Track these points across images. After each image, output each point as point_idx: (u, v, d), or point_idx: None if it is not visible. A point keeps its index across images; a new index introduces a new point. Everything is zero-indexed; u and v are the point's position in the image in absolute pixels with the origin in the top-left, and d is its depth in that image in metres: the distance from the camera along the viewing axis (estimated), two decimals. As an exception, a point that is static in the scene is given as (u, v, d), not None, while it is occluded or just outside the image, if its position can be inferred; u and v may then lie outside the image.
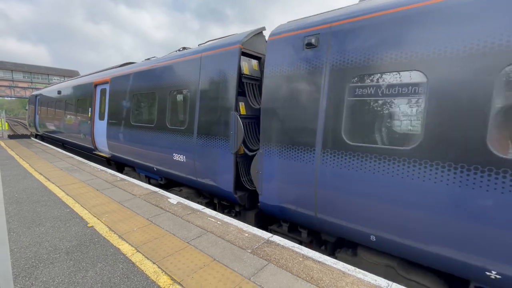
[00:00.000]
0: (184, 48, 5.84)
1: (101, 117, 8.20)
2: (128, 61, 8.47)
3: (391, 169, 2.66)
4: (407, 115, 2.68)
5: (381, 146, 2.74)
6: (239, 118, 4.12)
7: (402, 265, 2.99)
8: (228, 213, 4.98)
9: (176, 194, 5.71)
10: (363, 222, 2.91)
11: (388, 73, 2.72)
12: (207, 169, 4.72)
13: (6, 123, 20.70)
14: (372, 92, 2.83)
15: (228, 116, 4.27)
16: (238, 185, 4.38)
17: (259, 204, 4.03)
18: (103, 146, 8.24)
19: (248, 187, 4.42)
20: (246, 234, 3.33)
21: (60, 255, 2.83)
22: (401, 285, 2.44)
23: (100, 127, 8.24)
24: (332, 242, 3.63)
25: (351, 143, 2.93)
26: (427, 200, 2.47)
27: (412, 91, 2.59)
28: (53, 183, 5.64)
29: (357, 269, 2.59)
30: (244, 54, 4.38)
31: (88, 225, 3.56)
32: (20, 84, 55.65)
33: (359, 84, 2.91)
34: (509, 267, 2.14)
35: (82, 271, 2.54)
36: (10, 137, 15.28)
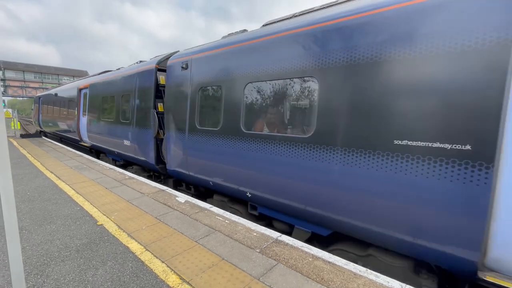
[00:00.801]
0: (140, 61, 7.36)
1: (84, 115, 10.31)
2: (114, 68, 10.15)
3: (209, 141, 4.64)
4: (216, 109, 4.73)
5: (210, 129, 4.62)
6: (155, 114, 6.00)
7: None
8: (160, 182, 6.86)
9: (130, 171, 7.34)
10: (208, 173, 4.77)
11: (212, 87, 4.69)
12: (142, 149, 6.62)
13: (19, 123, 21.22)
14: (210, 96, 4.80)
15: (150, 112, 6.10)
16: (159, 160, 6.17)
17: (167, 171, 5.86)
18: (85, 138, 10.35)
19: (165, 161, 6.00)
20: (255, 233, 3.30)
21: (71, 253, 2.86)
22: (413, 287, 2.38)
23: (83, 122, 10.39)
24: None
25: (199, 127, 4.86)
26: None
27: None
28: (63, 181, 5.73)
29: (369, 270, 2.53)
30: (160, 70, 6.11)
31: (98, 223, 3.60)
32: (32, 84, 56.98)
33: (203, 92, 4.84)
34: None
35: (92, 269, 2.56)
36: (22, 136, 15.65)
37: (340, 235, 3.26)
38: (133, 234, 3.28)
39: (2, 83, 53.47)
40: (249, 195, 3.97)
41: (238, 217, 3.84)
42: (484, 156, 2.05)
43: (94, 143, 9.52)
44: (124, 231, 3.37)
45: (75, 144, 12.11)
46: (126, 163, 8.21)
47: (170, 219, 3.74)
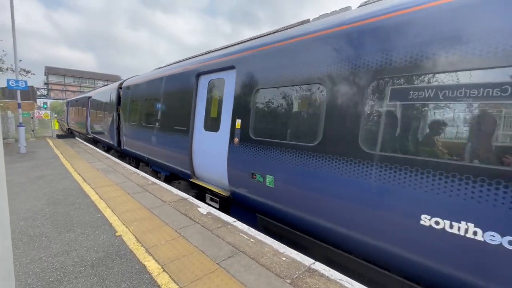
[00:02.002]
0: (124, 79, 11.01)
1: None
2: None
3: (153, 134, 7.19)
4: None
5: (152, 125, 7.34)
6: (115, 115, 10.08)
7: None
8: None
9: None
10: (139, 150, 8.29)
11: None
12: (109, 133, 11.01)
13: (57, 123, 22.73)
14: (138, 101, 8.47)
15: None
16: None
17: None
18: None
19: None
20: (284, 258, 2.89)
21: (86, 268, 2.65)
22: None
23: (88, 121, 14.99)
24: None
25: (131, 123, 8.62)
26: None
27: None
28: (88, 184, 5.73)
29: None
30: (121, 88, 10.07)
31: (116, 234, 3.40)
32: (71, 88, 61.44)
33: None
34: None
35: (105, 292, 2.32)
36: (58, 136, 16.60)
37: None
38: (151, 250, 3.02)
39: (45, 87, 58.28)
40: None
41: (264, 235, 3.46)
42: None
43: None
44: (142, 245, 3.13)
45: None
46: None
47: (191, 233, 3.46)
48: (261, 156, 3.81)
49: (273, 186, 3.63)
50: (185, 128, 5.69)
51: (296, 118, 3.58)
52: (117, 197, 4.89)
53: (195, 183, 5.49)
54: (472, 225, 1.97)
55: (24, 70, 13.91)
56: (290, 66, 3.52)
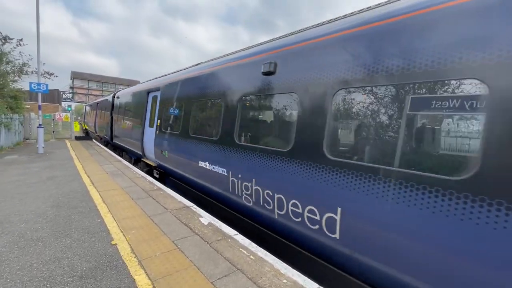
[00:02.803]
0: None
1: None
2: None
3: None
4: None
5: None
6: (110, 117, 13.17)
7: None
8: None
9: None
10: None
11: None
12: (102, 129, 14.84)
13: (78, 125, 23.65)
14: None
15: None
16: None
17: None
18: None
19: None
20: (284, 280, 2.63)
21: (73, 279, 2.51)
22: None
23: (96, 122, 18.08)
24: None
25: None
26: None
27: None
28: (95, 187, 5.73)
29: None
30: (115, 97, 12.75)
31: (112, 242, 3.27)
32: (94, 92, 64.29)
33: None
34: None
35: (88, 308, 2.15)
36: (76, 138, 17.18)
37: None
38: (144, 262, 2.85)
39: (70, 90, 61.38)
40: None
41: (265, 251, 3.20)
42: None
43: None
44: (136, 256, 2.97)
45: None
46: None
47: (188, 245, 3.27)
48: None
49: (166, 156, 6.70)
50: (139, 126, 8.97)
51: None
52: (120, 202, 4.82)
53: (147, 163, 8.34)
54: None
55: (47, 73, 14.56)
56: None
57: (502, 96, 1.72)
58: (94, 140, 16.75)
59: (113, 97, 13.15)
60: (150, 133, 7.88)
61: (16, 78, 13.96)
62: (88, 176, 6.69)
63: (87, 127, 24.50)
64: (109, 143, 13.67)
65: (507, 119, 1.69)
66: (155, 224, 3.89)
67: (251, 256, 3.07)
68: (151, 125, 8.01)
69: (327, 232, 2.73)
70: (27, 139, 15.13)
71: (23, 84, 14.47)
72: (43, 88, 10.32)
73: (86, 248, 3.12)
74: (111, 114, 12.95)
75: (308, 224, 2.94)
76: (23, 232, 3.50)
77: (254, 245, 3.39)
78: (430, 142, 2.38)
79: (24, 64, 14.07)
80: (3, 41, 13.20)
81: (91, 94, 63.85)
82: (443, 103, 2.11)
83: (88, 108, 25.80)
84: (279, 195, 3.29)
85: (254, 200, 3.73)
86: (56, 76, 15.66)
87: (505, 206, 1.61)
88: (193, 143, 5.55)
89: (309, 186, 2.94)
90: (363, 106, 2.72)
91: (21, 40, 13.57)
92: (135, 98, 9.96)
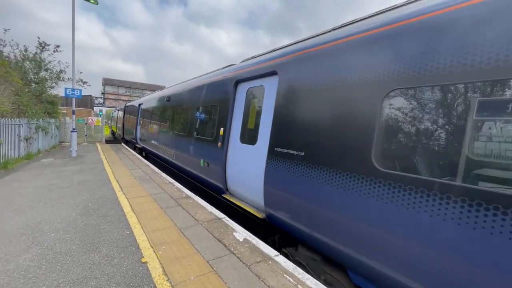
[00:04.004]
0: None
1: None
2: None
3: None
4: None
5: None
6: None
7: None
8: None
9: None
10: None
11: None
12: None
13: (108, 129, 24.68)
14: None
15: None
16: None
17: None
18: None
19: None
20: (346, 324, 2.13)
21: (101, 307, 2.21)
22: None
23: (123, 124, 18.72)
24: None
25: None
26: None
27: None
28: (124, 193, 5.58)
29: None
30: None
31: (142, 260, 2.97)
32: (123, 98, 67.62)
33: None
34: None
35: None
36: (106, 141, 17.79)
37: None
38: (178, 287, 2.50)
39: (102, 96, 65.15)
40: None
41: (315, 281, 2.72)
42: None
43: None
44: (168, 279, 2.63)
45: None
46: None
47: (224, 268, 2.88)
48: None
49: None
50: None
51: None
52: (149, 210, 4.58)
53: None
54: None
55: (82, 81, 15.25)
56: None
57: None
58: (122, 144, 17.23)
59: (167, 100, 9.18)
60: (245, 154, 4.50)
61: (53, 84, 14.74)
62: (117, 181, 6.62)
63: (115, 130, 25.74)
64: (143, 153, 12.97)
65: None
66: (186, 238, 3.55)
67: (299, 287, 2.60)
68: (248, 140, 4.52)
69: None
70: (62, 142, 15.89)
71: (59, 90, 15.26)
72: (77, 93, 10.67)
73: (115, 266, 2.84)
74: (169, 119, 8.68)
75: None
76: (52, 243, 3.32)
77: (299, 270, 2.92)
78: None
79: (61, 71, 14.84)
80: (42, 48, 13.98)
81: (120, 99, 67.33)
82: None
83: (117, 112, 25.23)
84: None
85: None
86: (89, 85, 16.39)
87: None
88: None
89: None
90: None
91: (58, 46, 14.32)
92: (204, 95, 6.28)
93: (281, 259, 3.12)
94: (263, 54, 4.76)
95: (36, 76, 13.82)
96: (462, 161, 1.87)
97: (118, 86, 68.06)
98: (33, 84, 13.38)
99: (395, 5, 2.86)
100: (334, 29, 3.44)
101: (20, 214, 4.28)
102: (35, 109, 11.00)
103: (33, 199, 5.00)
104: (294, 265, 2.99)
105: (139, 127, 13.54)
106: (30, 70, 13.74)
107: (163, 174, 7.75)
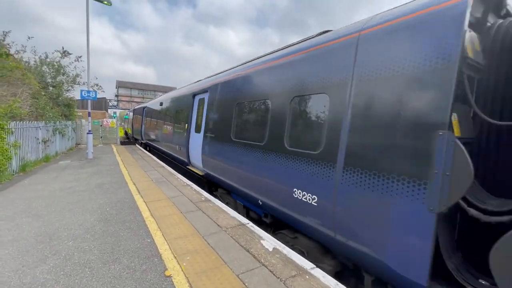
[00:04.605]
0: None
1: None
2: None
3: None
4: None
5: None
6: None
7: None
8: None
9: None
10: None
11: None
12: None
13: (122, 130, 24.99)
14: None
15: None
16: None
17: None
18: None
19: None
20: None
21: (125, 332, 1.95)
22: None
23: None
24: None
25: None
26: None
27: None
28: (142, 196, 5.38)
29: None
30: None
31: (166, 273, 2.70)
32: (135, 99, 68.74)
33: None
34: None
35: None
36: (121, 143, 17.91)
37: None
38: (208, 308, 2.21)
39: (116, 98, 66.47)
40: None
41: (363, 300, 2.38)
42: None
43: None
44: (196, 297, 2.35)
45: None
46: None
47: (257, 283, 2.56)
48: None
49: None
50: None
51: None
52: (169, 215, 4.33)
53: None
54: None
55: (97, 85, 15.40)
56: None
57: None
58: (137, 145, 17.29)
59: (160, 104, 12.07)
60: (196, 139, 7.18)
61: (69, 88, 14.91)
62: (134, 184, 6.45)
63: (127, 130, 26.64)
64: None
65: None
66: (211, 247, 3.27)
67: (347, 308, 2.25)
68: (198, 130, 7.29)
69: None
70: (78, 144, 16.10)
71: (75, 93, 15.44)
72: (92, 95, 10.67)
73: (137, 281, 2.58)
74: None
75: None
76: (71, 253, 3.11)
77: (341, 286, 2.57)
78: None
79: (77, 75, 15.00)
80: (63, 55, 14.16)
81: (133, 101, 68.43)
82: None
83: (127, 115, 27.12)
84: None
85: None
86: (103, 91, 16.58)
87: None
88: None
89: None
90: None
91: (80, 57, 14.48)
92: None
93: (319, 273, 2.78)
94: (207, 78, 7.67)
95: (53, 80, 14.01)
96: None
97: (131, 88, 69.28)
98: (50, 88, 13.56)
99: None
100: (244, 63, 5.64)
101: (38, 219, 4.13)
102: (52, 112, 11.10)
103: (50, 204, 4.87)
104: (336, 281, 2.65)
105: (143, 126, 16.00)
106: (48, 74, 13.93)
107: (180, 176, 7.55)
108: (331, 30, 3.63)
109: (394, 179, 2.21)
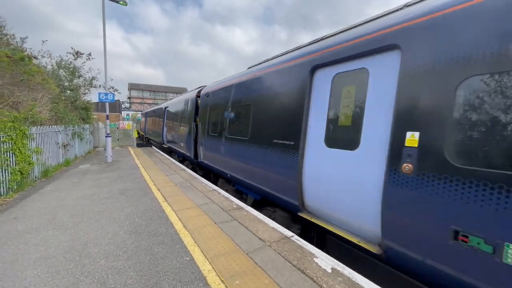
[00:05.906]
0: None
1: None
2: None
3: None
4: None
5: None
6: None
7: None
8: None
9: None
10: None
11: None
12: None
13: (136, 131, 25.08)
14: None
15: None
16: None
17: None
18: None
19: None
20: None
21: None
22: None
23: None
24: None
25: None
26: None
27: None
28: (169, 204, 5.05)
29: None
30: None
31: (217, 303, 2.31)
32: (147, 101, 69.56)
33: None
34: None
35: None
36: (137, 145, 17.85)
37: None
38: None
39: (128, 100, 67.52)
40: None
41: None
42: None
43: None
44: (261, 338, 1.93)
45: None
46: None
47: (328, 318, 2.13)
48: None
49: None
50: None
51: None
52: (203, 227, 3.96)
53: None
54: None
55: (112, 88, 15.35)
56: None
57: None
58: (153, 147, 17.18)
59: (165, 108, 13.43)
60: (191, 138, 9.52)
61: (86, 91, 14.93)
62: (158, 190, 6.14)
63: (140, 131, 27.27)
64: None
65: None
66: (260, 268, 2.85)
67: None
68: None
69: None
70: (96, 147, 16.11)
71: (91, 96, 15.46)
72: (110, 97, 10.50)
73: (186, 313, 2.19)
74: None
75: None
76: (104, 275, 2.77)
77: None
78: None
79: (93, 78, 15.01)
80: (76, 56, 14.16)
81: (145, 103, 69.30)
82: None
83: (138, 116, 29.36)
84: None
85: None
86: (120, 93, 16.57)
87: None
88: None
89: None
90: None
91: (89, 54, 14.45)
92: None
93: (398, 304, 2.32)
94: (193, 90, 9.29)
95: (70, 83, 14.02)
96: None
97: (142, 90, 70.22)
98: (68, 91, 13.56)
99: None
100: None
101: (65, 232, 3.84)
102: (71, 116, 11.03)
103: (76, 214, 4.60)
104: (424, 316, 2.18)
105: (165, 129, 16.72)
106: (64, 78, 13.96)
107: (203, 180, 7.20)
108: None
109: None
